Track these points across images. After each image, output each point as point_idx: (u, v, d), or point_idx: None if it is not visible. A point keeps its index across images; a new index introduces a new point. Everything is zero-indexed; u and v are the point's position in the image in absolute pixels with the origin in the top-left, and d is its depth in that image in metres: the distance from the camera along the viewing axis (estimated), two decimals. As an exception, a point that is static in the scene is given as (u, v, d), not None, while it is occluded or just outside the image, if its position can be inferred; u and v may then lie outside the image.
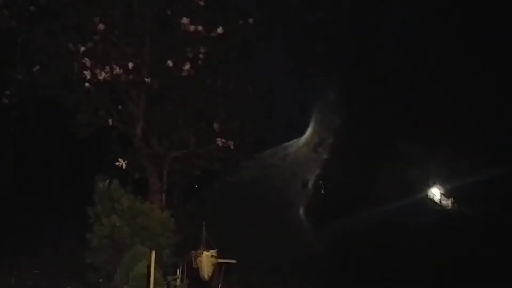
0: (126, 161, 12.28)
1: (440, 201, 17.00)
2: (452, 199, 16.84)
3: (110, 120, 12.53)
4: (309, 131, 17.70)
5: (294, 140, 17.67)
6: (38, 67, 12.11)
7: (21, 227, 14.58)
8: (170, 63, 12.09)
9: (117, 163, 12.29)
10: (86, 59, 11.79)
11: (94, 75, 11.83)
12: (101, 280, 11.22)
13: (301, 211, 16.64)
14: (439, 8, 16.60)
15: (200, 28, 12.17)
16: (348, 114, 17.84)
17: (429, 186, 17.07)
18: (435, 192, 17.08)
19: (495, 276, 14.15)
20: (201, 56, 12.34)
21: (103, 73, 11.84)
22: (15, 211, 14.89)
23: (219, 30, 12.31)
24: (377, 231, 15.98)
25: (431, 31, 16.76)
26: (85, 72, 11.80)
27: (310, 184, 17.07)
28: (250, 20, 12.60)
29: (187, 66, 12.18)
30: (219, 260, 11.48)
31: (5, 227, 13.88)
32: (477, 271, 14.35)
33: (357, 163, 17.31)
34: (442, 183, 16.88)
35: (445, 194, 16.88)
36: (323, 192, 17.14)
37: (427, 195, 17.18)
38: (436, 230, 16.04)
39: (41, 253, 13.97)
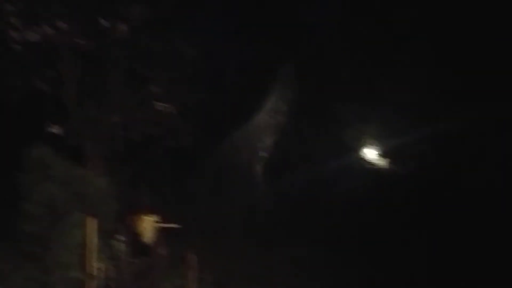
0: (60, 127, 11.87)
1: (373, 161, 17.51)
2: (384, 158, 17.39)
3: (41, 84, 12.02)
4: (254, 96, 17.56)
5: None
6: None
7: None
8: (104, 23, 11.68)
9: (50, 129, 11.86)
10: (13, 18, 11.20)
11: (22, 36, 11.28)
12: (37, 250, 10.87)
13: (243, 173, 16.74)
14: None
15: (135, -15, 11.80)
16: (284, 75, 17.86)
17: (363, 146, 17.52)
18: (368, 152, 17.54)
19: (422, 228, 14.98)
20: (136, 16, 11.99)
21: (33, 34, 11.31)
22: None
23: (154, -12, 11.98)
24: (313, 191, 16.34)
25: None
26: (13, 33, 11.24)
27: (251, 148, 17.16)
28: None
29: (122, 27, 11.83)
30: (161, 225, 11.43)
31: None
32: (405, 226, 15.09)
33: (293, 124, 17.48)
34: (376, 143, 17.37)
35: (378, 154, 17.41)
36: (262, 155, 17.24)
37: (360, 155, 17.63)
38: (369, 188, 16.61)
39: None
